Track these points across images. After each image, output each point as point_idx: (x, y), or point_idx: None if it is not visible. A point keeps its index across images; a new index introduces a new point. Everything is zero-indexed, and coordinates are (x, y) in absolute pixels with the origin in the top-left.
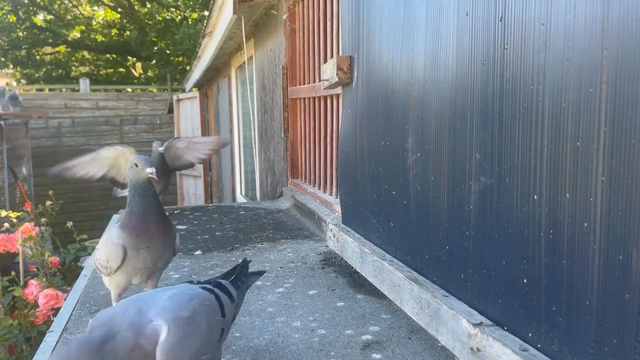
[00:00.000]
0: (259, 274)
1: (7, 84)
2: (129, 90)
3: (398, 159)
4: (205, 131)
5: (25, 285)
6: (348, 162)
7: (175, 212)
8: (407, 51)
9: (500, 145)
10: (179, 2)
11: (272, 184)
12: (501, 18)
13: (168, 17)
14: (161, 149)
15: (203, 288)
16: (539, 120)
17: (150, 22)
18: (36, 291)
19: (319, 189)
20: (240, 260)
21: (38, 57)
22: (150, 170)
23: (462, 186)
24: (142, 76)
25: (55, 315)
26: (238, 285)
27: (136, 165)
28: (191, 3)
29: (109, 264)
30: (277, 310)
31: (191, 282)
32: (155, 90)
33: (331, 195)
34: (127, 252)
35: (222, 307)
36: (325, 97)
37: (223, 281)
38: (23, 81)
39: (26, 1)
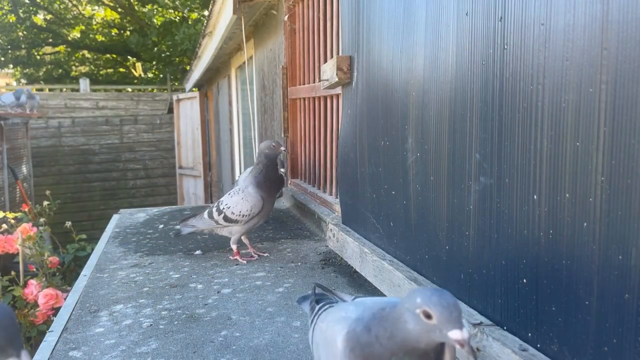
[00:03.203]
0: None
1: (7, 84)
2: (129, 90)
3: (398, 159)
4: (205, 131)
5: (25, 285)
6: (348, 162)
7: (180, 212)
8: (406, 51)
9: (500, 146)
10: (177, 3)
11: None
12: (501, 18)
13: (167, 19)
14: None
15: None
16: (538, 121)
17: (150, 23)
18: (36, 291)
19: (319, 189)
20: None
21: (38, 57)
22: (284, 148)
23: (462, 186)
24: (142, 76)
25: (55, 315)
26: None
27: (273, 146)
28: (189, 3)
29: (251, 211)
30: (277, 310)
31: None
32: (155, 90)
33: (331, 195)
34: (264, 200)
35: None
36: (325, 97)
37: None
38: (23, 81)
39: (26, 1)
